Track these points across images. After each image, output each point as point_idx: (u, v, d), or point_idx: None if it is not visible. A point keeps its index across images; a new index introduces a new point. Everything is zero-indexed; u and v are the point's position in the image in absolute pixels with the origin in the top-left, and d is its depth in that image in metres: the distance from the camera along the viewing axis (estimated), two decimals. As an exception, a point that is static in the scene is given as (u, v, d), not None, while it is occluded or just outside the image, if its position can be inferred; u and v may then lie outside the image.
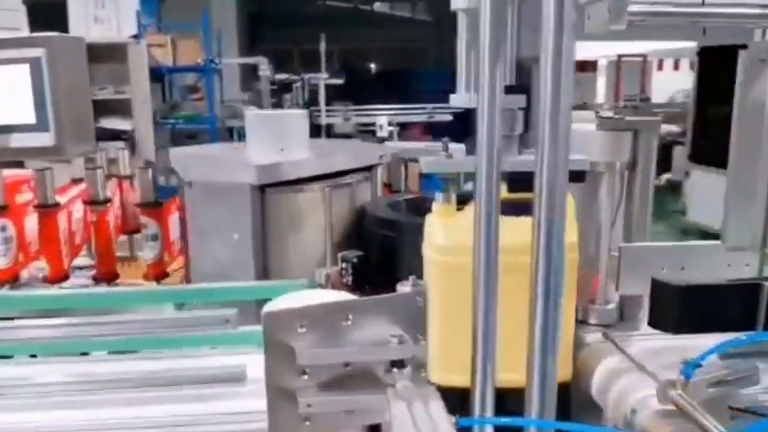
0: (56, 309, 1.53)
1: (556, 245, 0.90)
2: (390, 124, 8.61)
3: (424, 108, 9.10)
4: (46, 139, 1.64)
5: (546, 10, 0.84)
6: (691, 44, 8.33)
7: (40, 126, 1.64)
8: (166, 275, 1.95)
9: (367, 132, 8.93)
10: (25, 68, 1.63)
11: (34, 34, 1.77)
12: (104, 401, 1.15)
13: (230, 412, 1.17)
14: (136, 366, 1.23)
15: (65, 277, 1.92)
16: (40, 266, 2.01)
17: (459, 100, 1.26)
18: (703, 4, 1.27)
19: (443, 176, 1.39)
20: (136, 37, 6.10)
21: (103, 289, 1.75)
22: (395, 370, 1.03)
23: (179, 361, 1.27)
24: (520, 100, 1.26)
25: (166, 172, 5.82)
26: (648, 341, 1.41)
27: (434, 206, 1.31)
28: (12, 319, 1.57)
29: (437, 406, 0.90)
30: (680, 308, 1.23)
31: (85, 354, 1.31)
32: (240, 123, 8.33)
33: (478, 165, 1.00)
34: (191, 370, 1.21)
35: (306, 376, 1.00)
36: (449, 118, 9.24)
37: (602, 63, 12.52)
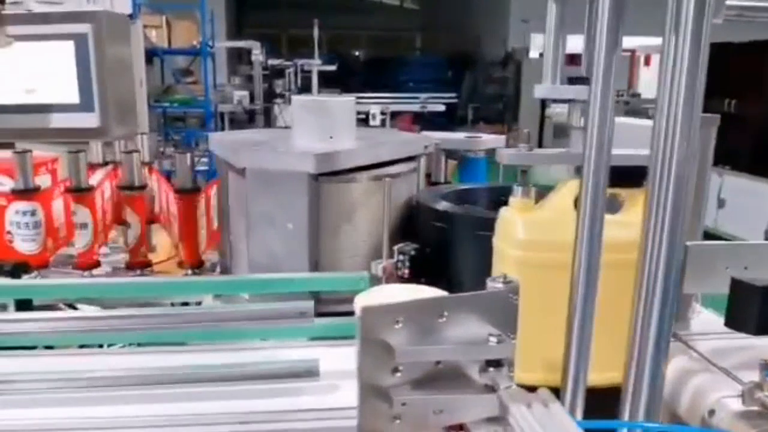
0: (98, 297, 1.49)
1: (678, 244, 0.88)
2: (383, 113, 8.55)
3: (417, 97, 9.06)
4: (90, 120, 1.58)
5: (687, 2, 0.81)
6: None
7: (85, 106, 1.57)
8: (201, 264, 1.89)
9: (357, 120, 8.85)
10: (70, 45, 1.55)
11: (79, 9, 1.69)
12: (177, 395, 1.11)
13: (305, 408, 1.13)
14: (208, 359, 1.18)
15: (96, 264, 1.85)
16: (69, 252, 1.95)
17: (545, 91, 1.23)
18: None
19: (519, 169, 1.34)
20: (130, 16, 5.94)
21: (157, 278, 1.70)
22: (491, 369, 1.00)
23: (250, 354, 1.23)
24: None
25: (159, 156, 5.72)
26: (714, 340, 1.40)
27: (512, 201, 1.28)
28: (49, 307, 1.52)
29: (558, 407, 0.87)
30: (762, 310, 1.22)
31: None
32: (232, 108, 8.23)
33: (586, 158, 0.97)
34: (263, 365, 1.17)
35: (399, 374, 0.96)
36: (441, 108, 9.24)
37: (590, 57, 12.55)
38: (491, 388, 0.98)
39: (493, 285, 1.09)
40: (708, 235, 1.53)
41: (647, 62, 13.60)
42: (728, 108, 6.53)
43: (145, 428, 1.02)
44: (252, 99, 8.43)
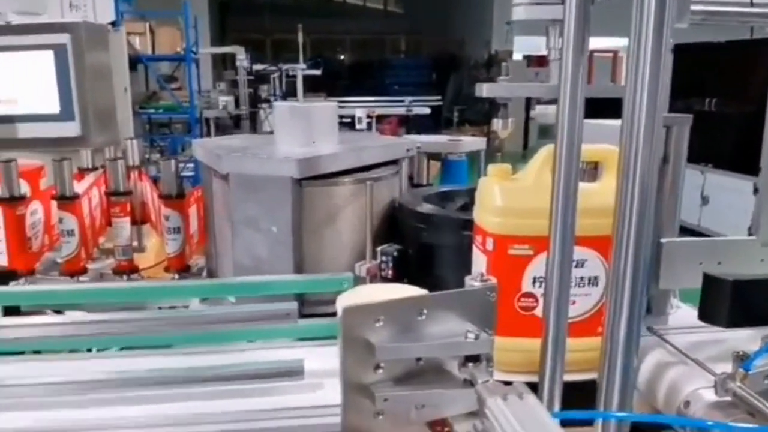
0: (85, 303, 1.50)
1: (645, 241, 0.91)
2: (368, 116, 8.59)
3: (402, 101, 9.10)
4: (71, 129, 1.59)
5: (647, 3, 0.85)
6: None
7: (65, 115, 1.59)
8: (188, 268, 1.91)
9: (343, 124, 8.90)
10: (50, 55, 1.57)
11: (59, 20, 1.70)
12: (166, 396, 1.13)
13: (291, 407, 1.16)
14: (194, 361, 1.20)
15: (83, 270, 1.86)
16: (54, 257, 1.96)
17: (522, 13, 1.21)
18: (752, 4, 1.29)
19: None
20: (113, 24, 5.93)
21: (143, 283, 1.71)
22: (471, 364, 1.03)
23: (236, 355, 1.26)
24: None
25: (145, 162, 5.68)
26: (689, 334, 1.43)
27: (490, 168, 1.28)
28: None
29: (533, 399, 0.90)
30: (732, 303, 1.25)
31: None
32: (217, 113, 8.23)
33: (562, 93, 0.96)
34: (250, 365, 1.19)
35: (381, 371, 0.98)
36: (427, 111, 9.28)
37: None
38: (470, 383, 1.01)
39: (471, 282, 1.12)
40: (693, 233, 1.55)
41: (629, 62, 13.73)
42: (709, 107, 6.60)
43: (134, 429, 1.04)
44: (237, 104, 8.44)
